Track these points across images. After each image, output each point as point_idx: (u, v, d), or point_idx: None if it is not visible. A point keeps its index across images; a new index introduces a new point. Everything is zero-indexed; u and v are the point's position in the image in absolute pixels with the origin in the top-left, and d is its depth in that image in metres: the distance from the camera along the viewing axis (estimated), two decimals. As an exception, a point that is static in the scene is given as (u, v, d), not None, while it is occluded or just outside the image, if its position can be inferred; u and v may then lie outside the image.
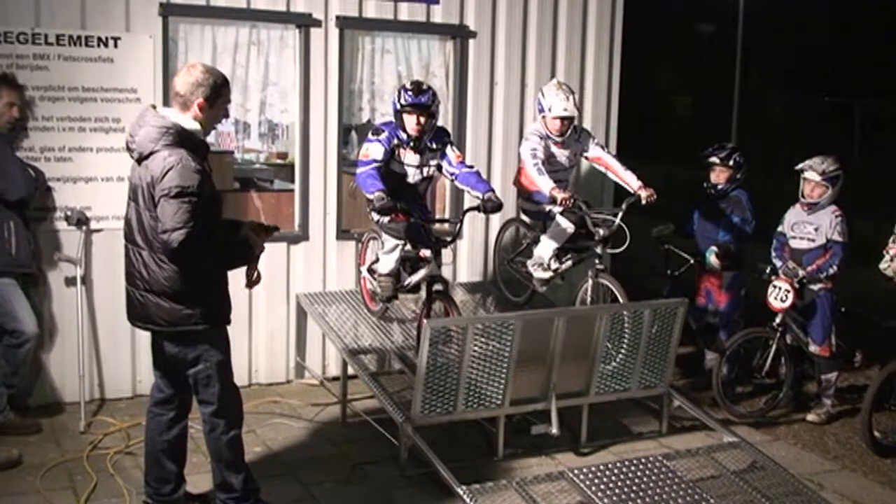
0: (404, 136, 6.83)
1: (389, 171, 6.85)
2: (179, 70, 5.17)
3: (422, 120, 6.78)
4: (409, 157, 6.91)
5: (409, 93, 6.75)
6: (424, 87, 6.84)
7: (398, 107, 6.80)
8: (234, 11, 7.61)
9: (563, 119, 7.23)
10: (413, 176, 6.99)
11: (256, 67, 7.88)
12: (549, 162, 7.34)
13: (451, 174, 7.03)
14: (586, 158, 7.62)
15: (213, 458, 5.43)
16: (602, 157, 7.51)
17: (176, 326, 5.07)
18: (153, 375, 5.49)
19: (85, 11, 7.12)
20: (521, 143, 7.50)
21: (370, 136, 6.87)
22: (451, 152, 7.03)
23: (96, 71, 7.18)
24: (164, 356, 5.29)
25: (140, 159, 4.99)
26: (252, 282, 5.39)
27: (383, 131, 6.83)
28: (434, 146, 6.99)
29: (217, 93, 5.07)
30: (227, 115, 5.32)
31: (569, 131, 7.33)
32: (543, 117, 7.31)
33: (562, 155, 7.43)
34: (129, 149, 5.08)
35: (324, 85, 7.96)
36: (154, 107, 5.16)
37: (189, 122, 5.02)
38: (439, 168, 7.07)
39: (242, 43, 7.79)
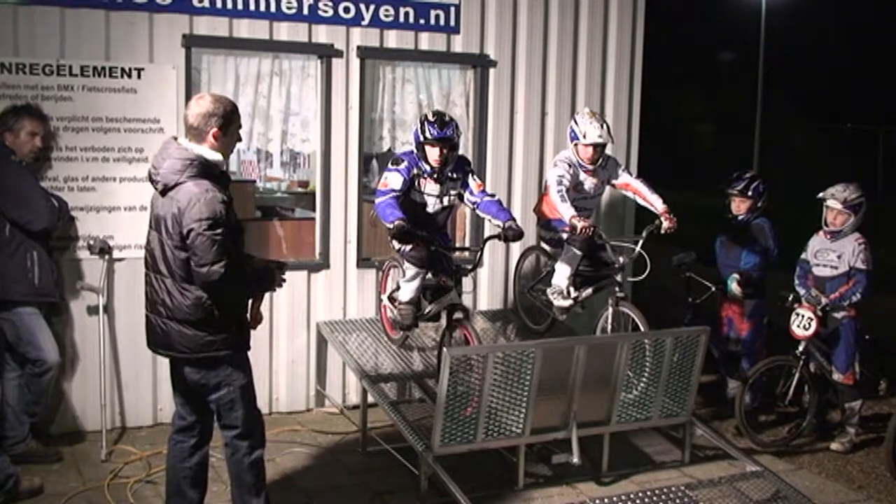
0: (427, 167, 6.84)
1: (409, 200, 6.86)
2: (188, 104, 5.23)
3: (444, 151, 6.79)
4: (430, 187, 6.93)
5: (434, 126, 6.73)
6: (447, 118, 6.83)
7: (421, 139, 6.80)
8: (256, 42, 7.68)
9: (595, 146, 7.23)
10: (433, 205, 7.01)
11: (278, 97, 7.93)
12: (577, 189, 7.35)
13: (473, 203, 7.04)
14: (613, 186, 7.61)
15: (233, 482, 5.44)
16: (630, 183, 7.53)
17: (198, 353, 5.12)
18: (174, 403, 5.51)
19: (109, 43, 7.20)
20: (550, 169, 7.49)
21: (390, 165, 6.89)
22: (472, 181, 7.04)
23: (120, 101, 7.25)
24: (185, 383, 5.32)
25: (164, 190, 5.05)
26: (256, 320, 5.46)
27: (403, 161, 6.84)
28: (455, 176, 7.00)
29: (229, 120, 5.14)
30: (240, 139, 5.37)
31: (600, 159, 7.34)
32: (576, 145, 7.30)
33: (590, 183, 7.43)
34: (152, 180, 5.13)
35: (345, 114, 8.01)
36: (175, 138, 5.22)
37: (211, 153, 5.09)
38: (460, 197, 7.08)
39: (265, 73, 7.85)
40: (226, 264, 4.92)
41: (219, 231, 4.91)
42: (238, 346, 5.26)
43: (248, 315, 5.40)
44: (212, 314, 5.07)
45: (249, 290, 5.31)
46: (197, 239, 4.89)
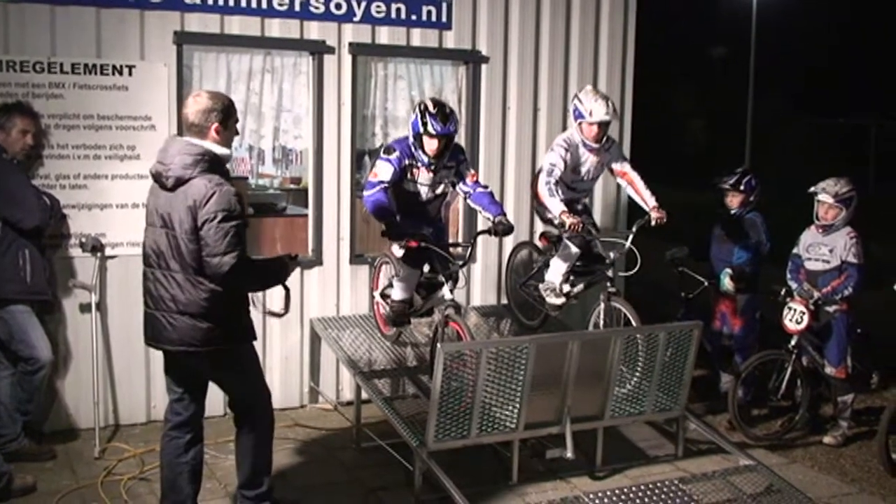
0: (423, 157, 6.74)
1: (402, 189, 6.83)
2: (186, 102, 5.29)
3: (443, 143, 6.70)
4: (423, 177, 6.86)
5: (436, 120, 6.59)
6: (448, 110, 6.70)
7: (420, 130, 6.66)
8: (248, 39, 7.67)
9: (601, 124, 7.08)
10: (425, 194, 6.96)
11: (270, 94, 7.92)
12: (575, 171, 7.25)
13: (465, 193, 6.99)
14: (611, 171, 7.49)
15: (244, 459, 5.58)
16: (628, 173, 7.39)
17: (211, 346, 5.20)
18: (168, 396, 5.56)
19: (100, 40, 7.19)
20: (547, 153, 7.31)
21: (381, 154, 6.81)
22: (466, 171, 6.98)
23: (111, 99, 7.24)
24: (189, 377, 5.43)
25: (175, 186, 5.09)
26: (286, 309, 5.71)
27: (395, 151, 6.74)
28: (449, 165, 6.92)
29: (228, 114, 5.24)
30: (237, 133, 5.48)
31: (605, 137, 7.22)
32: (580, 124, 7.13)
33: (590, 163, 7.29)
34: (159, 176, 5.17)
35: (337, 111, 8.01)
36: (175, 136, 5.28)
37: (219, 147, 5.19)
38: (453, 185, 7.04)
39: (256, 70, 7.84)
40: (237, 255, 5.02)
41: (233, 223, 5.02)
42: (248, 336, 5.43)
43: (285, 301, 5.65)
44: (223, 306, 5.18)
45: (259, 281, 5.45)
46: (211, 230, 4.98)
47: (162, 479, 5.56)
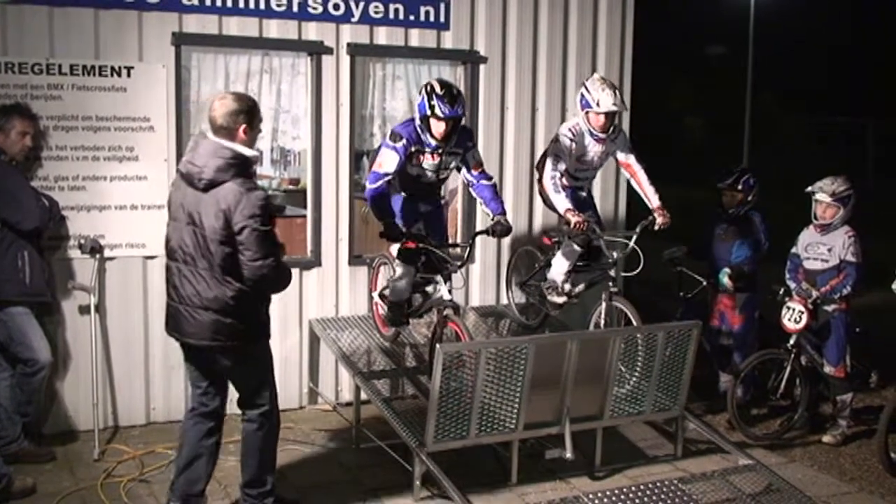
0: (430, 140, 6.66)
1: (405, 172, 6.78)
2: (212, 105, 5.34)
3: (450, 126, 6.63)
4: (428, 162, 6.81)
5: (444, 102, 6.49)
6: (455, 91, 6.62)
7: (427, 112, 6.56)
8: (246, 40, 7.66)
9: (608, 114, 7.01)
10: (429, 177, 6.93)
11: (269, 95, 7.92)
12: (580, 160, 7.21)
13: (468, 181, 6.98)
14: (616, 160, 7.45)
15: (251, 457, 5.67)
16: (631, 165, 7.32)
17: (234, 341, 5.31)
18: (193, 390, 5.68)
19: (98, 41, 7.17)
20: (551, 143, 7.25)
21: (387, 140, 6.73)
22: (471, 159, 6.92)
23: (110, 100, 7.23)
24: (212, 370, 5.52)
25: (206, 188, 5.16)
26: None
27: (401, 138, 6.63)
28: (456, 150, 6.84)
29: (253, 114, 5.34)
30: (260, 131, 5.56)
31: (612, 127, 7.16)
32: (587, 113, 7.05)
33: (595, 151, 7.21)
34: (190, 176, 5.22)
35: (335, 111, 8.00)
36: (204, 135, 5.36)
37: (248, 150, 5.27)
38: (458, 169, 7.01)
39: (255, 71, 7.84)
40: (276, 257, 5.18)
41: (268, 228, 5.15)
42: (266, 333, 5.54)
43: None
44: (247, 304, 5.28)
45: (285, 281, 5.52)
46: (251, 235, 5.09)
47: (179, 458, 5.67)
